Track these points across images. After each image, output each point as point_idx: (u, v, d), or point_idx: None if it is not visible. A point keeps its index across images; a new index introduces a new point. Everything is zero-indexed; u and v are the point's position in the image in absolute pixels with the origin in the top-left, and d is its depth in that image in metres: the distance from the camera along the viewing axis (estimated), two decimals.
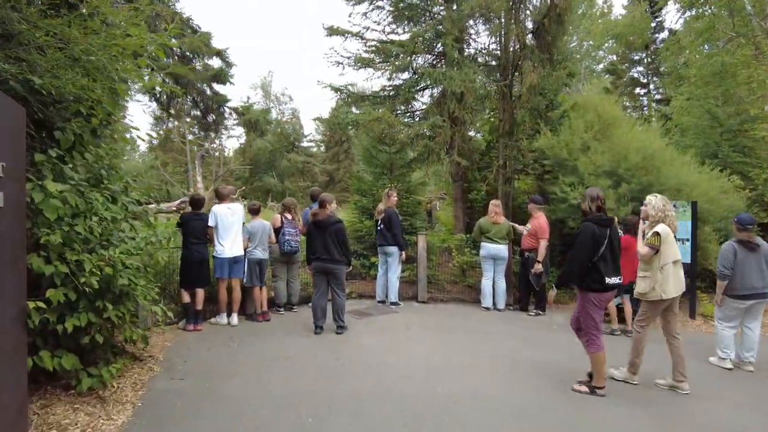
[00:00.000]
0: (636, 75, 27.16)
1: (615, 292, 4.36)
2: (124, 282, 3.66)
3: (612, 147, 8.55)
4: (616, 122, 8.99)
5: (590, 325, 4.22)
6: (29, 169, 3.52)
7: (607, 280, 4.08)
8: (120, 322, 3.92)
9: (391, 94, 9.81)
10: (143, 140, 4.58)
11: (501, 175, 9.72)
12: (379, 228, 7.49)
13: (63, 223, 3.47)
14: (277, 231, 6.91)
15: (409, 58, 8.74)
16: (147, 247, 4.15)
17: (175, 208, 27.66)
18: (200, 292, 6.12)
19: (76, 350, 3.72)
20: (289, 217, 7.06)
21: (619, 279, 4.20)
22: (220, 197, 6.42)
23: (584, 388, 4.26)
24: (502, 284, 7.80)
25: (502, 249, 7.68)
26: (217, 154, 38.12)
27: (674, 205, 7.73)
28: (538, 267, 7.25)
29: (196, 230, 6.09)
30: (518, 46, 9.17)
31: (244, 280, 6.57)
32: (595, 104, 9.27)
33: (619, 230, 5.62)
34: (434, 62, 10.08)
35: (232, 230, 6.24)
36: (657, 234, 4.33)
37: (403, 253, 7.51)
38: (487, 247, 7.65)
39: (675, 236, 4.49)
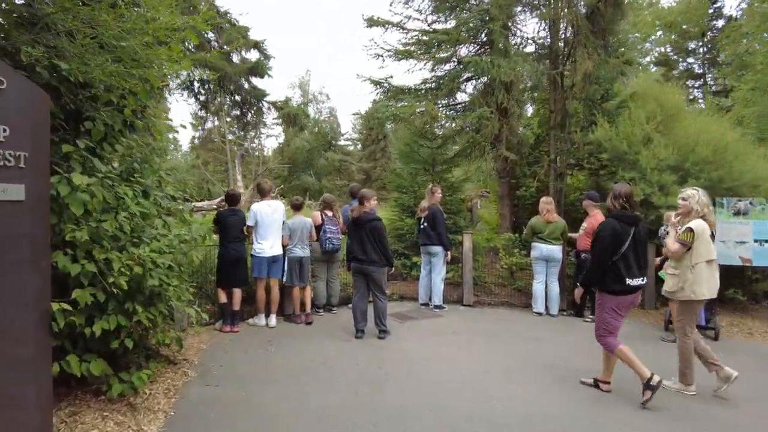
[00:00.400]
0: (690, 66, 25.52)
1: (638, 296, 4.06)
2: (155, 283, 3.40)
3: (677, 139, 7.81)
4: (680, 113, 8.22)
5: (602, 328, 4.05)
6: (56, 162, 3.31)
7: (628, 281, 3.86)
8: (151, 325, 3.68)
9: (432, 86, 9.35)
10: (176, 132, 4.33)
11: (552, 171, 9.11)
12: (422, 226, 7.07)
13: (91, 218, 3.24)
14: (318, 229, 6.60)
15: (453, 47, 8.25)
16: (180, 245, 3.89)
17: (215, 206, 28.17)
18: (237, 292, 5.89)
19: (106, 354, 3.50)
20: (330, 214, 6.74)
21: (642, 280, 3.95)
22: (262, 193, 6.18)
23: (589, 380, 4.28)
24: (555, 288, 7.23)
25: (555, 250, 7.11)
26: (256, 153, 38.75)
27: (750, 203, 6.97)
28: None
29: (232, 227, 5.85)
30: (571, 33, 8.54)
31: (284, 280, 6.29)
32: (656, 93, 8.51)
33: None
34: (478, 52, 9.56)
35: (273, 228, 5.99)
36: (690, 230, 4.03)
37: (449, 253, 7.06)
38: (540, 248, 7.10)
39: (713, 234, 4.20)
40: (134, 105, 3.87)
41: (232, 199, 6.09)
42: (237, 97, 8.04)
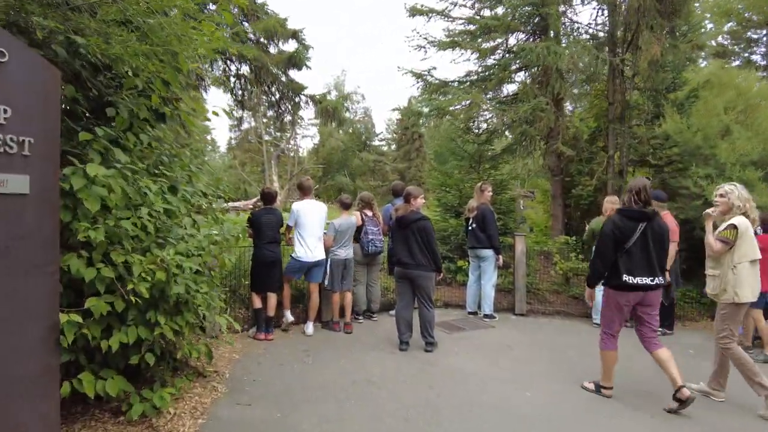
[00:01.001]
0: (753, 57, 23.73)
1: (640, 296, 3.79)
2: (180, 290, 2.97)
3: (761, 131, 6.92)
4: (764, 101, 7.31)
5: (604, 324, 4.02)
6: (74, 152, 2.94)
7: (626, 278, 3.70)
8: (177, 337, 3.26)
9: (478, 77, 8.73)
10: (207, 119, 3.92)
11: (611, 168, 8.33)
12: (470, 228, 6.47)
13: (110, 216, 2.84)
14: (358, 230, 6.13)
15: (504, 34, 7.61)
16: (211, 247, 3.46)
17: (251, 206, 28.33)
18: (272, 297, 5.46)
19: (126, 369, 3.10)
20: (370, 213, 6.25)
21: (651, 280, 3.72)
22: (304, 191, 5.74)
23: (591, 386, 4.16)
24: None
25: None
26: (292, 153, 38.91)
27: None
28: (666, 277, 5.87)
29: (268, 228, 5.43)
30: (635, 15, 7.74)
31: (326, 284, 5.83)
32: (733, 80, 7.61)
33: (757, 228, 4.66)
34: (528, 40, 8.86)
35: (315, 230, 5.55)
36: (734, 227, 3.76)
37: (500, 257, 6.43)
38: None
39: (756, 232, 4.02)
40: (163, 91, 3.47)
41: (267, 197, 5.67)
42: (274, 91, 7.67)
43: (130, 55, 3.15)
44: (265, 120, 39.25)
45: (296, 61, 6.82)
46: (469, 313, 6.68)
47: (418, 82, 9.61)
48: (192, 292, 3.21)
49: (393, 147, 48.10)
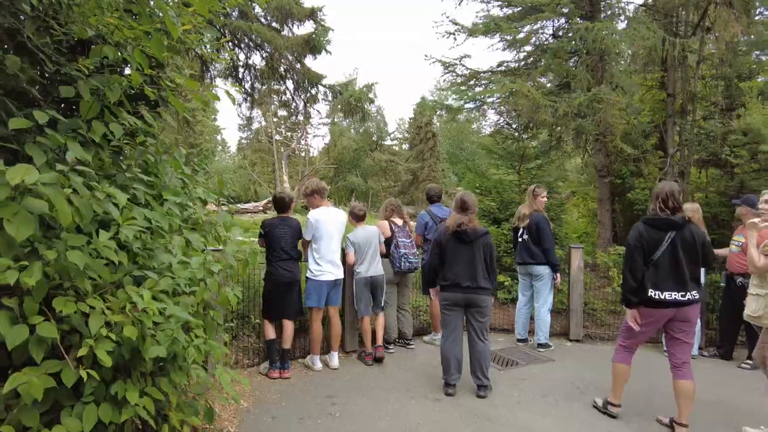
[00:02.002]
0: None
1: (669, 313, 3.41)
2: (161, 352, 2.02)
3: None
4: None
5: (622, 333, 3.73)
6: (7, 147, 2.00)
7: (652, 292, 3.36)
8: (158, 410, 2.31)
9: (520, 65, 7.70)
10: (205, 104, 2.96)
11: (669, 168, 7.27)
12: (520, 239, 5.46)
13: (56, 243, 1.89)
14: (387, 243, 5.16)
15: (553, 13, 6.56)
16: (208, 279, 2.51)
17: (261, 208, 27.51)
18: (289, 326, 4.51)
19: None
20: (399, 222, 5.28)
21: (683, 295, 3.33)
22: (319, 194, 4.75)
23: (600, 402, 3.89)
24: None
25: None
26: (302, 153, 38.11)
27: None
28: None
29: (282, 241, 4.47)
30: None
31: (356, 308, 4.87)
32: None
33: None
34: (569, 22, 7.82)
35: (335, 243, 4.61)
36: None
37: (558, 276, 5.41)
38: None
39: None
40: (144, 64, 2.51)
41: (280, 204, 4.69)
42: (288, 81, 6.74)
43: (91, 10, 2.21)
44: (275, 119, 38.53)
45: (314, 44, 5.87)
46: (519, 340, 5.67)
47: (446, 73, 8.65)
48: (181, 346, 2.25)
49: (405, 147, 47.11)
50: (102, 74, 2.47)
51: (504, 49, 8.38)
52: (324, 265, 4.53)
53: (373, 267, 4.91)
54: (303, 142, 38.04)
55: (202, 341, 2.44)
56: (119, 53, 2.52)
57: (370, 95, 6.42)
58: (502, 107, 6.91)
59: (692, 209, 5.41)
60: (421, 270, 5.43)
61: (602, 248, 8.06)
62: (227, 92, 2.67)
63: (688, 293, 3.33)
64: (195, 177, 3.22)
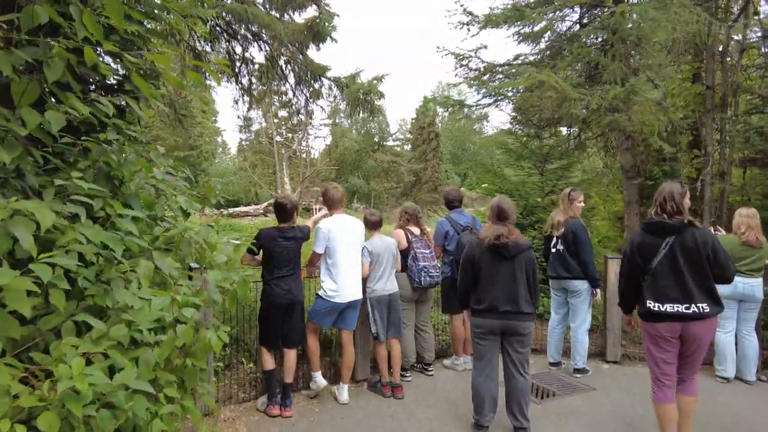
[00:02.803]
0: None
1: (675, 328, 3.03)
2: None
3: None
4: None
5: (649, 365, 3.26)
6: None
7: (650, 304, 3.05)
8: None
9: (542, 55, 7.06)
10: (179, 86, 2.31)
11: (707, 168, 6.62)
12: (554, 250, 4.80)
13: None
14: (404, 254, 4.51)
15: None
16: (179, 327, 1.85)
17: (262, 211, 26.90)
18: (291, 355, 3.85)
19: None
20: (417, 231, 4.62)
21: (687, 308, 2.97)
22: (333, 203, 4.11)
23: None
24: (752, 342, 4.81)
25: (756, 287, 4.70)
26: (303, 155, 37.49)
27: None
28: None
29: (284, 255, 3.82)
30: None
31: (373, 332, 4.21)
32: None
33: None
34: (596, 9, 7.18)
35: (352, 259, 3.97)
36: None
37: (597, 291, 4.75)
38: (734, 283, 4.67)
39: None
40: (97, 34, 1.86)
41: (281, 211, 3.95)
42: (288, 74, 6.08)
43: None
44: (276, 120, 37.93)
45: (318, 30, 5.21)
46: (551, 364, 5.00)
47: (459, 67, 8.01)
48: (143, 420, 1.60)
49: (407, 147, 46.52)
50: (36, 46, 1.82)
51: (520, 42, 7.76)
52: (342, 283, 3.87)
53: (390, 283, 4.27)
54: (304, 143, 37.43)
55: (176, 407, 1.79)
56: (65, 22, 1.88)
57: (380, 88, 5.78)
58: (523, 101, 6.25)
59: (748, 215, 4.77)
60: (441, 285, 4.77)
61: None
62: (209, 70, 2.02)
63: (694, 305, 2.97)
64: (174, 182, 2.57)
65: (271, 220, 23.54)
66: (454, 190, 5.04)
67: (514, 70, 7.31)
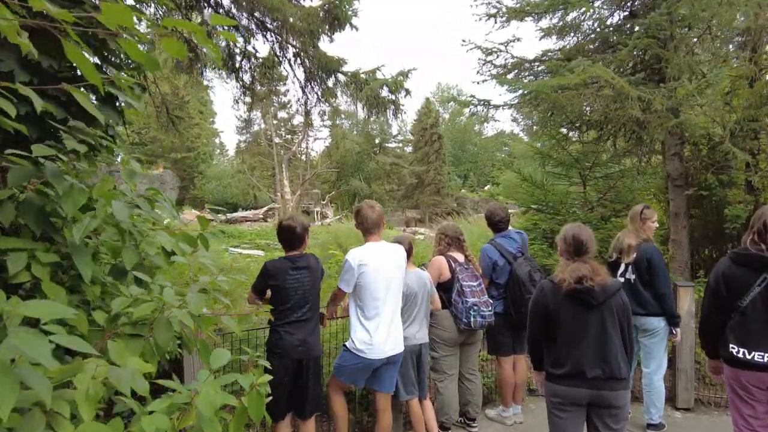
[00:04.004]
0: None
1: (764, 379, 2.55)
2: None
3: None
4: None
5: (733, 417, 2.76)
6: None
7: (734, 349, 2.62)
8: None
9: (593, 46, 6.25)
10: (150, 63, 1.49)
11: None
12: (623, 280, 3.97)
13: None
14: (444, 287, 3.68)
15: None
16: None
17: (261, 216, 26.04)
18: (309, 427, 3.01)
19: None
20: (461, 259, 3.79)
21: None
22: (367, 227, 3.16)
23: None
24: None
25: None
26: (303, 157, 36.63)
27: None
28: None
29: (298, 293, 2.98)
30: None
31: (402, 387, 3.38)
32: None
33: None
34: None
35: (390, 300, 3.06)
36: None
37: (678, 331, 3.92)
38: None
39: None
40: None
41: (289, 236, 3.07)
42: (297, 68, 5.24)
43: None
44: (275, 122, 37.05)
45: (337, 14, 4.35)
46: None
47: (484, 63, 7.20)
48: None
49: (408, 149, 45.74)
50: None
51: (557, 34, 6.96)
52: (378, 333, 2.98)
53: (423, 330, 3.44)
54: (304, 145, 36.58)
55: None
56: None
57: (406, 85, 4.93)
58: (568, 100, 5.41)
59: None
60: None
61: (679, 272, 6.59)
62: (202, 38, 1.19)
63: None
64: (148, 215, 1.73)
65: (270, 225, 22.63)
66: (500, 208, 4.15)
67: (544, 66, 6.50)
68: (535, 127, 8.32)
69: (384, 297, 3.00)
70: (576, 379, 2.56)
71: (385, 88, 4.88)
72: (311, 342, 3.01)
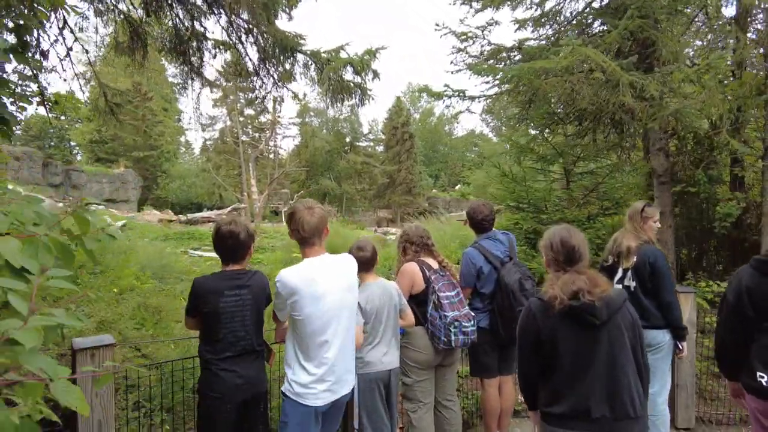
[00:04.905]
0: None
1: None
2: None
3: None
4: None
5: None
6: None
7: (762, 378, 2.18)
8: None
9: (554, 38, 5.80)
10: None
11: None
12: (622, 286, 3.47)
13: None
14: (418, 300, 3.08)
15: None
16: None
17: (225, 217, 24.99)
18: None
19: None
20: (434, 265, 3.20)
21: None
22: (303, 237, 2.34)
23: None
24: None
25: None
26: (271, 155, 35.54)
27: None
28: None
29: (236, 319, 2.33)
30: None
31: (355, 426, 2.76)
32: None
33: None
34: None
35: (338, 329, 2.33)
36: None
37: (684, 345, 3.45)
38: None
39: None
40: None
41: (228, 244, 2.42)
42: (250, 49, 4.57)
43: None
44: (242, 119, 35.78)
45: None
46: None
47: (457, 51, 6.69)
48: None
49: (380, 149, 45.24)
50: None
51: (524, 27, 6.55)
52: (319, 372, 2.27)
53: (392, 351, 2.83)
54: (272, 143, 35.50)
55: None
56: None
57: (373, 65, 4.31)
58: (552, 88, 4.92)
59: None
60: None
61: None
62: None
63: None
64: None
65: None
66: (483, 204, 3.57)
67: (521, 57, 6.00)
68: (511, 123, 7.88)
69: (331, 336, 2.28)
70: (578, 421, 2.01)
71: (349, 68, 4.26)
72: (254, 377, 2.36)
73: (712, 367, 4.60)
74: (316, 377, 2.25)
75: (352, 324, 2.41)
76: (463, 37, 6.28)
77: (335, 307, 2.28)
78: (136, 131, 35.55)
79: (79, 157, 36.59)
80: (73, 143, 37.08)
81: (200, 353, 2.36)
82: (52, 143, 34.93)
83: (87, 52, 6.04)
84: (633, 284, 3.40)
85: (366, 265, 2.85)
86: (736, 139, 5.14)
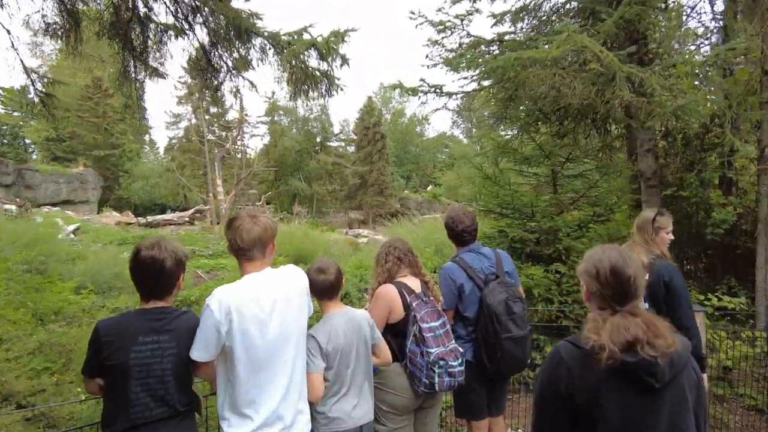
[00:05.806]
0: None
1: None
2: None
3: None
4: None
5: None
6: None
7: None
8: None
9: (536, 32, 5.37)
10: None
11: (765, 178, 5.15)
12: None
13: None
14: (395, 331, 2.51)
15: None
16: None
17: (187, 219, 23.81)
18: None
19: None
20: (416, 287, 2.63)
21: None
22: (242, 251, 1.85)
23: None
24: None
25: None
26: (239, 155, 34.36)
27: None
28: None
29: (152, 375, 1.70)
30: None
31: None
32: None
33: None
34: None
35: (282, 367, 1.79)
36: None
37: (705, 376, 2.99)
38: None
39: None
40: None
41: (146, 272, 1.81)
42: (200, 31, 3.92)
43: None
44: (207, 117, 34.47)
45: None
46: None
47: (434, 44, 6.18)
48: None
49: (351, 149, 44.57)
50: None
51: (502, 22, 6.13)
52: (262, 421, 1.71)
53: (364, 402, 2.25)
54: (239, 142, 34.32)
55: None
56: None
57: (341, 49, 3.69)
58: (541, 81, 4.46)
59: None
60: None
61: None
62: None
63: None
64: None
65: (197, 229, 20.54)
66: (464, 213, 3.00)
67: (499, 51, 5.54)
68: (490, 122, 7.43)
69: (280, 368, 1.76)
70: None
71: (314, 52, 3.65)
72: None
73: (714, 389, 4.21)
74: (261, 424, 1.72)
75: (297, 357, 1.85)
76: (441, 26, 5.76)
77: (284, 333, 1.79)
78: (96, 129, 33.89)
79: (34, 156, 34.58)
80: (28, 141, 35.05)
81: (103, 424, 1.72)
82: (5, 141, 32.87)
83: (9, 32, 5.22)
84: (645, 306, 2.92)
85: (329, 291, 2.25)
86: (742, 137, 4.79)
